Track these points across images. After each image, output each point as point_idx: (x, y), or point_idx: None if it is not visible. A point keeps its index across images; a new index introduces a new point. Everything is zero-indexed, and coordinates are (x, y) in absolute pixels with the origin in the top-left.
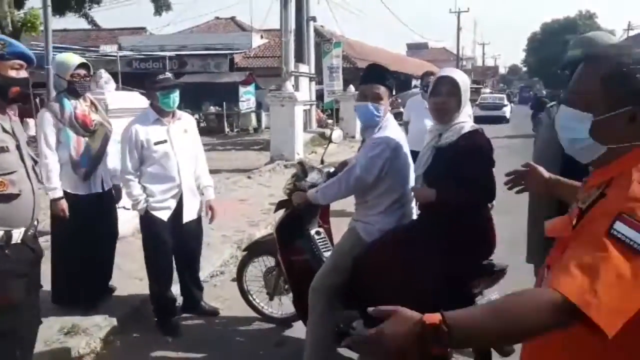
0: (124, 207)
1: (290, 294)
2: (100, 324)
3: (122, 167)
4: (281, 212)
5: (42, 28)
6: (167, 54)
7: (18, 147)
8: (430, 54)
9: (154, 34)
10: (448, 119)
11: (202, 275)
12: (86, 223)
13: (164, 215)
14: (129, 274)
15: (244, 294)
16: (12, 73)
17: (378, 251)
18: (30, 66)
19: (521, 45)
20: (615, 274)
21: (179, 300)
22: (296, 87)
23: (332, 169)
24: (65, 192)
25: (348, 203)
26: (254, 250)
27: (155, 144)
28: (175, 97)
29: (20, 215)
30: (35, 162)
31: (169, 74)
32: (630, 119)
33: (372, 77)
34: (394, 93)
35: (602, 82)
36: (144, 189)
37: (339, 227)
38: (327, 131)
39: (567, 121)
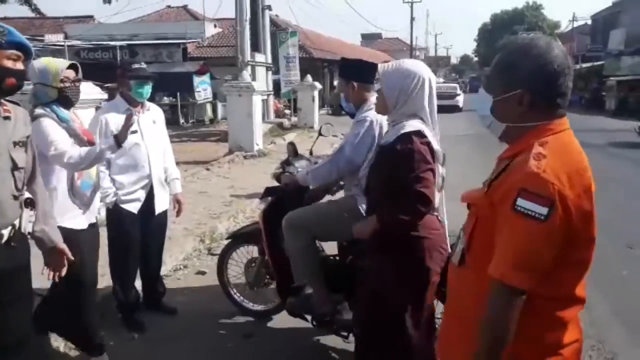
0: None
1: (271, 287)
2: None
3: None
4: (264, 201)
5: None
6: (118, 43)
7: None
8: (384, 44)
9: (102, 23)
10: (382, 111)
11: (165, 269)
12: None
13: (134, 207)
14: None
15: (224, 285)
16: (9, 63)
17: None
18: (28, 59)
19: (472, 36)
20: (524, 241)
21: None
22: (253, 76)
23: (320, 160)
24: (63, 229)
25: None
26: (237, 239)
27: None
28: (149, 88)
29: None
30: (17, 167)
31: (144, 64)
32: (519, 101)
33: (341, 72)
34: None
35: (498, 68)
36: (113, 181)
37: None
38: (285, 121)
39: (478, 101)
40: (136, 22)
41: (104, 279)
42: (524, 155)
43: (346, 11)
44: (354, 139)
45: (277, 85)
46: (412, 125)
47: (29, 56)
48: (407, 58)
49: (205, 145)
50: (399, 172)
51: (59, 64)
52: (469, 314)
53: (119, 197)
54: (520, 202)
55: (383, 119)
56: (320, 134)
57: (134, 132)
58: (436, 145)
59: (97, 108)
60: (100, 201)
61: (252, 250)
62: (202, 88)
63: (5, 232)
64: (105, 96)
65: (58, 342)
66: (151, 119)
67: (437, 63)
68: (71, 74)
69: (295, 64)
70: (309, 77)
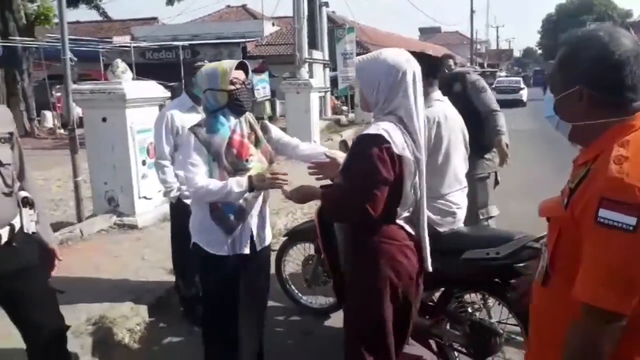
0: (144, 197)
1: (329, 284)
2: (127, 315)
3: (157, 152)
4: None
5: (55, 20)
6: (180, 43)
7: None
8: (443, 38)
9: (166, 24)
10: (366, 109)
11: None
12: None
13: None
14: (153, 264)
15: (282, 281)
16: None
17: None
18: None
19: (536, 28)
20: (612, 257)
21: None
22: (311, 74)
23: None
24: (199, 248)
25: None
26: (294, 236)
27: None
28: None
29: None
30: (1, 163)
31: (207, 62)
32: (578, 98)
33: None
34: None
35: (558, 65)
36: (177, 176)
37: None
38: (343, 118)
39: (545, 102)
40: (198, 23)
41: (168, 273)
42: (603, 158)
43: (404, 5)
44: None
45: (334, 82)
46: (377, 127)
47: None
48: (425, 48)
49: None
50: (350, 177)
51: (227, 64)
52: (556, 341)
53: (182, 192)
54: (603, 213)
55: (446, 113)
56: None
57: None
58: (405, 152)
59: (161, 106)
60: (164, 196)
61: (309, 248)
62: (261, 86)
63: (4, 232)
64: (168, 94)
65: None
66: None
67: (498, 57)
68: (241, 75)
69: (352, 60)
70: None
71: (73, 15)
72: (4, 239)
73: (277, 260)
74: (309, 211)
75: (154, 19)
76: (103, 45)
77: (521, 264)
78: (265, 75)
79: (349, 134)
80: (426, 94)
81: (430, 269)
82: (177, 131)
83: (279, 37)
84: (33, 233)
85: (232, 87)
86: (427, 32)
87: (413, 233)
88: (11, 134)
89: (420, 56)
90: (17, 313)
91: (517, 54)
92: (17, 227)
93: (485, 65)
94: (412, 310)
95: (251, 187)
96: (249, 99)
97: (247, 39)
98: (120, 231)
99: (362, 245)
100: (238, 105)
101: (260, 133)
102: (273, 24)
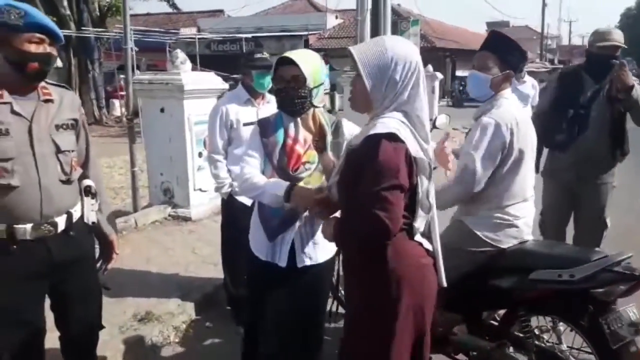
0: (200, 189)
1: None
2: (173, 312)
3: (211, 146)
4: None
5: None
6: (244, 35)
7: (30, 131)
8: (511, 32)
9: (231, 17)
10: (362, 109)
11: None
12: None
13: (248, 200)
14: (204, 259)
15: (333, 289)
16: (31, 47)
17: None
18: (57, 43)
19: (613, 22)
20: None
21: None
22: None
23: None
24: (248, 243)
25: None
26: None
27: (245, 125)
28: (270, 79)
29: (22, 210)
30: (60, 150)
31: (266, 54)
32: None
33: (486, 44)
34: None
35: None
36: (230, 172)
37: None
38: None
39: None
40: (262, 15)
41: (217, 269)
42: None
43: None
44: (480, 150)
45: None
46: (386, 124)
47: (57, 40)
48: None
49: None
50: (359, 183)
51: (275, 59)
52: None
53: (234, 188)
54: None
55: (517, 117)
56: (434, 126)
57: (252, 123)
58: (419, 153)
59: (219, 97)
60: (215, 191)
61: None
62: None
63: (61, 220)
64: (227, 86)
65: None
66: (270, 112)
67: (571, 52)
68: (287, 72)
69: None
70: (430, 67)
71: (144, 7)
72: (61, 227)
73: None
74: None
75: (220, 11)
76: (170, 37)
77: (600, 290)
78: (326, 69)
79: None
80: (504, 88)
81: (444, 284)
82: (231, 125)
83: (342, 29)
84: (93, 223)
85: (276, 87)
86: (495, 26)
87: (431, 249)
88: (76, 120)
89: (510, 44)
90: (60, 304)
91: None
92: (77, 215)
93: (556, 61)
94: (427, 341)
95: (287, 199)
96: (292, 101)
97: (310, 32)
98: (173, 223)
99: (373, 268)
100: (283, 107)
101: (328, 137)
102: (336, 17)
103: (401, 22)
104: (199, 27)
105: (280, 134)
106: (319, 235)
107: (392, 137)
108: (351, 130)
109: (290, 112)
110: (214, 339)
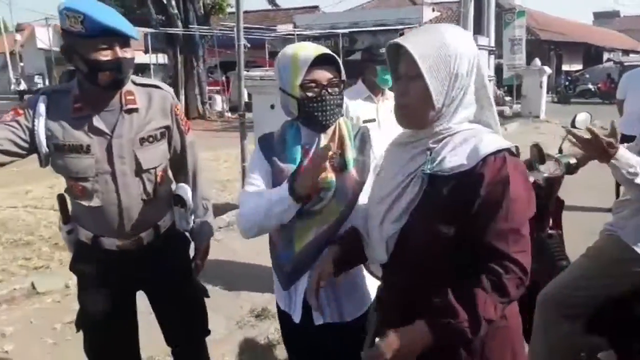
0: None
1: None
2: None
3: None
4: None
5: (229, 10)
6: (339, 31)
7: (109, 148)
8: (622, 22)
9: (326, 12)
10: (417, 121)
11: None
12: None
13: None
14: None
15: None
16: (99, 55)
17: None
18: (127, 43)
19: None
20: None
21: None
22: None
23: (573, 160)
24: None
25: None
26: None
27: (364, 122)
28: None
29: (104, 226)
30: (143, 169)
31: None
32: None
33: None
34: None
35: None
36: None
37: (572, 237)
38: (506, 109)
39: None
40: (357, 10)
41: None
42: None
43: None
44: None
45: (497, 70)
46: (495, 137)
47: (125, 39)
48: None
49: None
50: (480, 220)
51: (304, 54)
52: None
53: None
54: None
55: None
56: (573, 125)
57: (372, 120)
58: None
59: None
60: None
61: None
62: None
63: (146, 235)
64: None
65: None
66: (389, 109)
67: None
68: (324, 75)
69: (521, 47)
70: (537, 61)
71: (246, 4)
72: (147, 240)
73: None
74: None
75: (315, 7)
76: (268, 34)
77: None
78: None
79: (514, 127)
80: None
81: None
82: (351, 121)
83: (438, 22)
84: (185, 231)
85: (301, 94)
86: (603, 17)
87: None
88: (167, 127)
89: None
90: (158, 312)
91: None
92: (166, 226)
93: None
94: None
95: (292, 192)
96: (327, 112)
97: (405, 26)
98: None
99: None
100: (310, 120)
101: (349, 153)
102: (433, 10)
103: (506, 14)
104: (294, 23)
105: (297, 153)
106: (344, 286)
107: (513, 155)
108: (381, 142)
109: (320, 126)
110: None
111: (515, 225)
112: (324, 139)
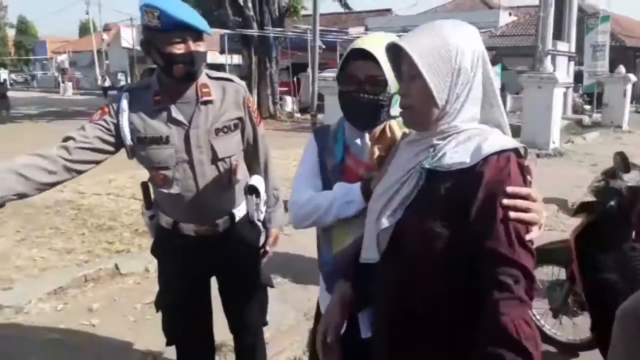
0: None
1: (581, 316)
2: None
3: None
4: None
5: (303, 12)
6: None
7: (187, 138)
8: None
9: (398, 15)
10: (421, 120)
11: None
12: None
13: None
14: None
15: None
16: (173, 49)
17: None
18: (200, 38)
19: None
20: None
21: None
22: (553, 67)
23: None
24: None
25: None
26: (539, 256)
27: None
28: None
29: (183, 212)
30: (218, 158)
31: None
32: None
33: None
34: None
35: None
36: None
37: None
38: (585, 118)
39: None
40: (430, 13)
41: None
42: None
43: None
44: None
45: (577, 77)
46: (501, 137)
47: (198, 34)
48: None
49: None
50: (479, 223)
51: (350, 47)
52: None
53: None
54: None
55: None
56: None
57: None
58: None
59: None
60: None
61: (558, 272)
62: None
63: (222, 222)
64: None
65: None
66: None
67: None
68: (361, 70)
69: (603, 53)
70: (621, 68)
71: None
72: (222, 227)
73: None
74: (545, 222)
75: (388, 10)
76: (341, 36)
77: None
78: (497, 68)
79: (593, 137)
80: None
81: None
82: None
83: (515, 27)
84: (258, 220)
85: (342, 88)
86: None
87: None
88: (239, 119)
89: None
90: (224, 298)
91: None
92: (240, 215)
93: None
94: None
95: (366, 190)
96: (364, 110)
97: (480, 30)
98: None
99: None
100: (347, 117)
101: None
102: (510, 14)
103: (588, 19)
104: (366, 26)
105: (339, 150)
106: None
107: (518, 154)
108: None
109: (359, 123)
110: None
111: (518, 228)
112: (368, 140)
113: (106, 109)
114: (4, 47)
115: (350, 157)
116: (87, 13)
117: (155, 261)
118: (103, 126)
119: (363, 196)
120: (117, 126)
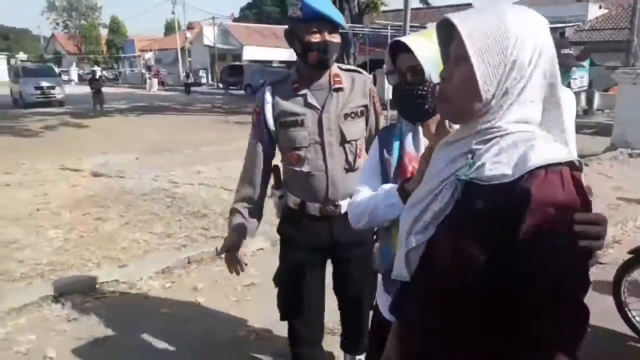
0: None
1: None
2: None
3: None
4: None
5: (383, 8)
6: None
7: (319, 121)
8: None
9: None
10: (461, 113)
11: None
12: None
13: None
14: None
15: (620, 306)
16: (311, 37)
17: None
18: (335, 30)
19: None
20: None
21: None
22: None
23: None
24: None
25: None
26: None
27: None
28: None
29: (311, 191)
30: (346, 140)
31: (571, 50)
32: None
33: None
34: None
35: None
36: None
37: None
38: None
39: None
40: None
41: None
42: None
43: None
44: None
45: None
46: (552, 144)
47: (334, 25)
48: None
49: (580, 137)
50: (528, 253)
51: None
52: None
53: None
54: None
55: None
56: None
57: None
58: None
59: None
60: None
61: None
62: (579, 75)
63: (344, 203)
64: None
65: None
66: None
67: None
68: (403, 62)
69: None
70: None
71: (396, 3)
72: (343, 209)
73: (617, 281)
74: None
75: (468, 5)
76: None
77: None
78: (586, 63)
79: None
80: None
81: None
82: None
83: (606, 21)
84: None
85: (393, 82)
86: None
87: None
88: (365, 106)
89: None
90: (337, 279)
91: None
92: None
93: None
94: None
95: (404, 191)
96: (409, 102)
97: (567, 24)
98: None
99: None
100: (398, 109)
101: None
102: (600, 7)
103: None
104: None
105: (396, 146)
106: None
107: (575, 167)
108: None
109: (407, 115)
110: None
111: (581, 260)
112: (422, 134)
113: (257, 109)
114: (97, 46)
115: (405, 153)
116: (173, 13)
117: (250, 246)
118: (261, 129)
119: (401, 198)
120: (265, 118)
